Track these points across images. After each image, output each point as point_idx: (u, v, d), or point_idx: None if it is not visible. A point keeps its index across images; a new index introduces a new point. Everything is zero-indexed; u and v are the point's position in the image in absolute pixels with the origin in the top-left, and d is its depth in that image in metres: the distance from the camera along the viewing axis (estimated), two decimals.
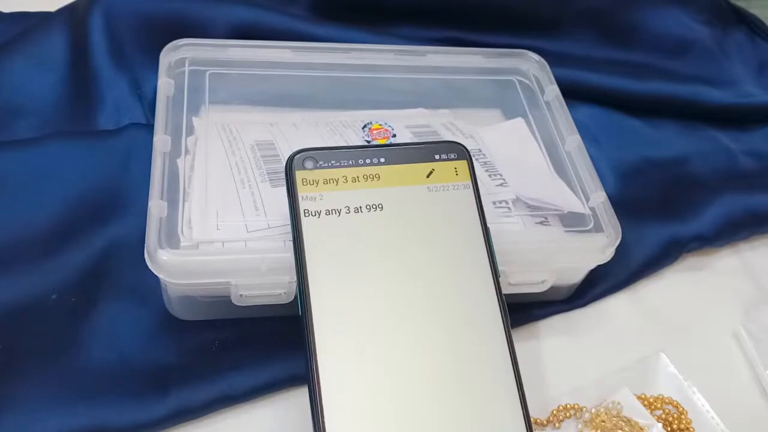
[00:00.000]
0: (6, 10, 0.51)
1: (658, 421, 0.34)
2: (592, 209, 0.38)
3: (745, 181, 0.49)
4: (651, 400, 0.36)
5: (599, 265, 0.37)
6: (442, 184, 0.31)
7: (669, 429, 0.35)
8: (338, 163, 0.30)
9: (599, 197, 0.38)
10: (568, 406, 0.35)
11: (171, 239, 0.32)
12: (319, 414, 0.25)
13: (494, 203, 0.37)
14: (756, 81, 0.57)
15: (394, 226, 0.29)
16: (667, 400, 0.36)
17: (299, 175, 0.29)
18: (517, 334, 0.37)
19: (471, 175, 0.31)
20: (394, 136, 0.41)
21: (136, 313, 0.35)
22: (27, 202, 0.38)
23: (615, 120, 0.52)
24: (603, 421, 0.33)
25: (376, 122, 0.41)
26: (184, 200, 0.34)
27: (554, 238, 0.37)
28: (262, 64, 0.42)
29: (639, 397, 0.35)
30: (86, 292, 0.35)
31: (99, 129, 0.44)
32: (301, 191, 0.29)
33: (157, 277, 0.31)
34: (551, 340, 0.39)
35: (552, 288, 0.37)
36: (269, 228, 0.34)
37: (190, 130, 0.38)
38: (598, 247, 0.36)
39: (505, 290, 0.31)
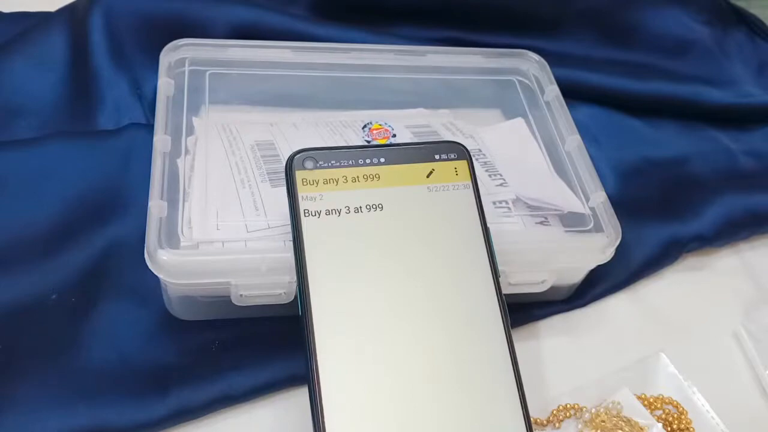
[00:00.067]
0: (6, 10, 0.51)
1: (658, 421, 0.34)
2: (592, 209, 0.38)
3: (745, 181, 0.49)
4: (651, 400, 0.36)
5: (599, 265, 0.37)
6: (442, 184, 0.31)
7: (669, 429, 0.35)
8: (338, 163, 0.30)
9: (599, 197, 0.38)
10: (568, 406, 0.35)
11: (171, 239, 0.32)
12: (319, 414, 0.25)
13: (494, 203, 0.37)
14: (756, 81, 0.57)
15: (394, 226, 0.29)
16: (667, 400, 0.36)
17: (299, 175, 0.29)
18: (517, 334, 0.37)
19: (471, 175, 0.31)
20: (394, 136, 0.41)
21: (136, 313, 0.35)
22: (27, 202, 0.38)
23: (615, 120, 0.52)
24: (603, 421, 0.33)
25: (376, 122, 0.41)
26: (184, 200, 0.34)
27: (554, 238, 0.37)
28: (262, 64, 0.42)
29: (639, 397, 0.35)
30: (86, 292, 0.35)
31: (99, 129, 0.44)
32: (301, 191, 0.29)
33: (157, 277, 0.31)
34: (551, 340, 0.39)
35: (552, 288, 0.37)
36: (269, 228, 0.34)
37: (190, 130, 0.38)
38: (598, 247, 0.36)
39: (505, 290, 0.31)
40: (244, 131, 0.39)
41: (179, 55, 0.41)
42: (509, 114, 0.45)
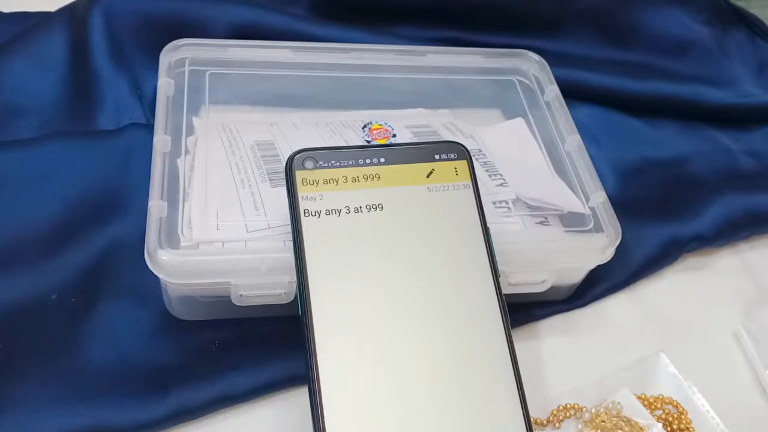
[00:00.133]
0: (6, 10, 0.51)
1: (658, 421, 0.34)
2: (592, 209, 0.38)
3: (745, 181, 0.49)
4: (651, 400, 0.36)
5: (599, 265, 0.37)
6: (442, 184, 0.31)
7: (669, 429, 0.35)
8: (338, 163, 0.30)
9: (599, 197, 0.38)
10: (568, 406, 0.35)
11: (171, 239, 0.32)
12: (319, 414, 0.25)
13: (494, 203, 0.37)
14: (756, 81, 0.57)
15: (394, 226, 0.29)
16: (667, 400, 0.36)
17: (299, 175, 0.29)
18: (517, 334, 0.37)
19: (471, 175, 0.31)
20: (394, 136, 0.41)
21: (136, 313, 0.35)
22: (27, 202, 0.38)
23: (615, 120, 0.52)
24: (603, 421, 0.33)
25: (376, 122, 0.41)
26: (184, 200, 0.34)
27: (554, 238, 0.37)
28: (262, 64, 0.42)
29: (639, 397, 0.35)
30: (86, 292, 0.35)
31: (99, 129, 0.44)
32: (301, 191, 0.29)
33: (157, 277, 0.31)
34: (551, 340, 0.39)
35: (552, 288, 0.37)
36: (269, 228, 0.34)
37: (190, 130, 0.38)
38: (598, 247, 0.36)
39: (505, 290, 0.31)
40: (244, 131, 0.39)
41: (179, 55, 0.41)
42: (509, 114, 0.45)
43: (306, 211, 0.29)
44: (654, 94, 0.52)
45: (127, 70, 0.46)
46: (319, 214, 0.29)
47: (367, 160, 0.30)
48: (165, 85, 0.38)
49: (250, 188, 0.35)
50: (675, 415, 0.35)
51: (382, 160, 0.30)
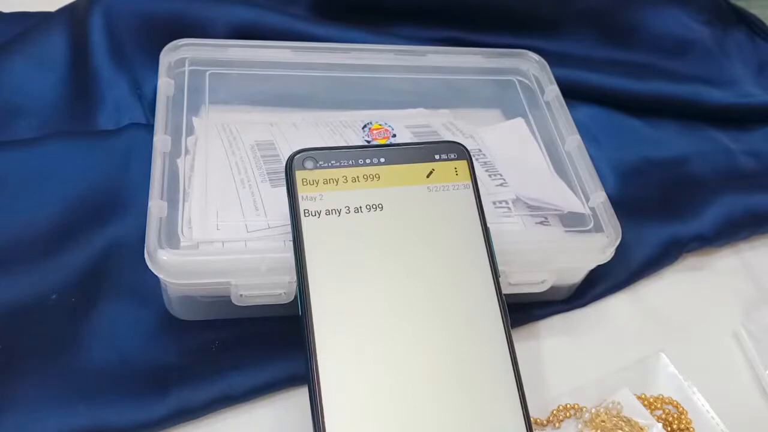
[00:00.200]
0: (6, 10, 0.51)
1: (658, 421, 0.34)
2: (592, 209, 0.38)
3: (745, 181, 0.49)
4: (651, 400, 0.36)
5: (599, 265, 0.37)
6: (442, 184, 0.31)
7: (669, 429, 0.35)
8: (338, 163, 0.30)
9: (599, 197, 0.38)
10: (568, 406, 0.35)
11: (171, 239, 0.32)
12: (319, 414, 0.25)
13: (494, 203, 0.37)
14: (756, 81, 0.57)
15: (394, 226, 0.29)
16: (667, 400, 0.36)
17: (299, 175, 0.29)
18: (517, 334, 0.37)
19: (471, 175, 0.31)
20: (394, 136, 0.41)
21: (136, 313, 0.35)
22: (27, 202, 0.38)
23: (615, 120, 0.52)
24: (603, 421, 0.33)
25: (376, 122, 0.41)
26: (184, 200, 0.34)
27: (554, 238, 0.37)
28: (262, 64, 0.42)
29: (639, 397, 0.35)
30: (86, 292, 0.35)
31: (99, 129, 0.44)
32: (301, 191, 0.29)
33: (157, 277, 0.31)
34: (551, 340, 0.39)
35: (552, 288, 0.37)
36: (269, 228, 0.34)
37: (190, 130, 0.38)
38: (598, 247, 0.36)
39: (505, 290, 0.31)
40: (244, 131, 0.39)
41: (179, 55, 0.41)
42: (509, 114, 0.45)
43: (306, 211, 0.29)
44: (654, 94, 0.52)
45: (127, 70, 0.46)
46: (319, 214, 0.29)
47: (367, 160, 0.30)
48: (165, 85, 0.38)
49: (250, 188, 0.35)
50: (675, 415, 0.35)
51: (382, 160, 0.30)
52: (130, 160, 0.41)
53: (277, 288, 0.32)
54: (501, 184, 0.38)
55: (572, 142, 0.41)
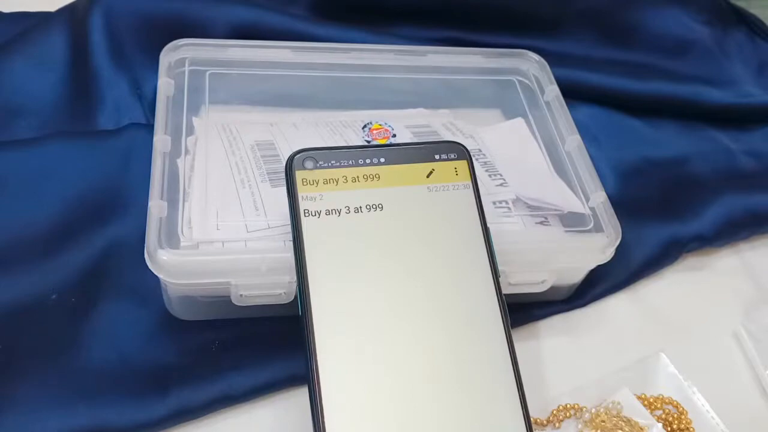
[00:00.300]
0: (6, 10, 0.51)
1: (658, 421, 0.34)
2: (592, 209, 0.38)
3: (745, 181, 0.49)
4: (651, 400, 0.36)
5: (599, 265, 0.37)
6: (442, 184, 0.31)
7: (669, 429, 0.35)
8: (338, 163, 0.30)
9: (599, 197, 0.38)
10: (568, 406, 0.35)
11: (171, 239, 0.32)
12: (319, 414, 0.25)
13: (494, 203, 0.37)
14: (756, 81, 0.57)
15: (394, 226, 0.29)
16: (667, 400, 0.36)
17: (299, 175, 0.29)
18: (517, 334, 0.37)
19: (471, 175, 0.31)
20: (394, 136, 0.41)
21: (136, 313, 0.35)
22: (27, 202, 0.38)
23: (615, 120, 0.52)
24: (603, 421, 0.33)
25: (376, 122, 0.41)
26: (184, 200, 0.34)
27: (554, 238, 0.37)
28: (262, 64, 0.42)
29: (639, 397, 0.35)
30: (86, 292, 0.35)
31: (99, 129, 0.44)
32: (301, 191, 0.29)
33: (157, 277, 0.31)
34: (551, 340, 0.39)
35: (552, 288, 0.37)
36: (269, 228, 0.34)
37: (190, 130, 0.38)
38: (598, 247, 0.36)
39: (505, 290, 0.31)
40: (244, 131, 0.39)
41: (179, 55, 0.41)
42: (509, 114, 0.45)
43: (306, 211, 0.29)
44: (654, 94, 0.52)
45: (127, 70, 0.46)
46: (319, 214, 0.29)
47: (367, 160, 0.30)
48: (165, 85, 0.38)
49: (250, 188, 0.35)
50: (675, 415, 0.35)
51: (382, 160, 0.30)
52: (130, 160, 0.41)
53: (277, 288, 0.32)
54: (501, 184, 0.38)
55: (572, 142, 0.41)
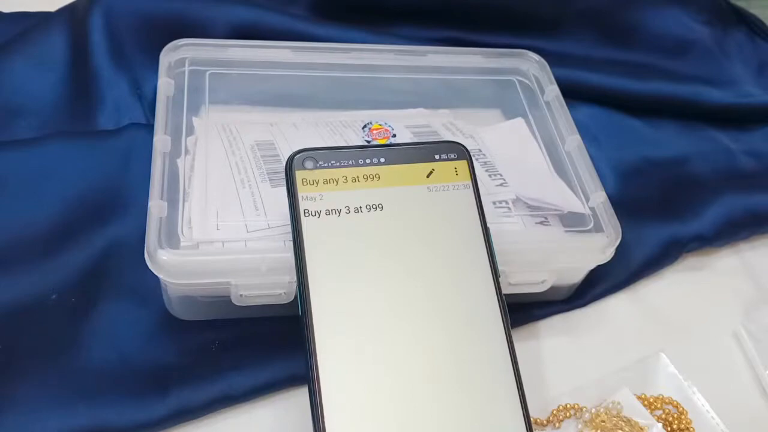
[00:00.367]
0: (6, 10, 0.51)
1: (658, 421, 0.34)
2: (592, 209, 0.38)
3: (745, 181, 0.49)
4: (651, 400, 0.36)
5: (599, 265, 0.37)
6: (442, 184, 0.31)
7: (669, 429, 0.35)
8: (338, 163, 0.30)
9: (599, 197, 0.38)
10: (568, 406, 0.35)
11: (171, 239, 0.32)
12: (319, 414, 0.25)
13: (494, 203, 0.37)
14: (756, 81, 0.57)
15: (394, 226, 0.29)
16: (667, 400, 0.36)
17: (299, 175, 0.29)
18: (517, 334, 0.37)
19: (471, 175, 0.31)
20: (394, 136, 0.41)
21: (136, 313, 0.35)
22: (27, 202, 0.38)
23: (615, 120, 0.52)
24: (603, 421, 0.33)
25: (376, 122, 0.41)
26: (184, 200, 0.34)
27: (554, 238, 0.37)
28: (262, 64, 0.42)
29: (639, 397, 0.35)
30: (86, 292, 0.35)
31: (99, 129, 0.44)
32: (301, 191, 0.29)
33: (157, 277, 0.31)
34: (551, 340, 0.39)
35: (552, 288, 0.37)
36: (269, 228, 0.34)
37: (190, 130, 0.38)
38: (598, 247, 0.36)
39: (505, 290, 0.31)
40: (244, 131, 0.39)
41: (179, 55, 0.41)
42: (509, 114, 0.45)
43: (306, 211, 0.29)
44: (654, 94, 0.52)
45: (127, 70, 0.46)
46: (319, 214, 0.29)
47: (367, 160, 0.30)
48: (165, 85, 0.38)
49: (250, 188, 0.35)
50: (675, 415, 0.35)
51: (382, 160, 0.30)
52: (130, 160, 0.41)
53: (277, 288, 0.32)
54: (501, 184, 0.38)
55: (572, 142, 0.41)
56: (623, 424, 0.33)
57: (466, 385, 0.27)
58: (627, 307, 0.41)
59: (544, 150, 0.42)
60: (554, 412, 0.35)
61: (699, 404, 0.36)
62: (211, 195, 0.34)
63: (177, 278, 0.31)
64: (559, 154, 0.41)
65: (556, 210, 0.38)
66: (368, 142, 0.40)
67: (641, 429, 0.33)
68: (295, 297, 0.29)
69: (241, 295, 0.32)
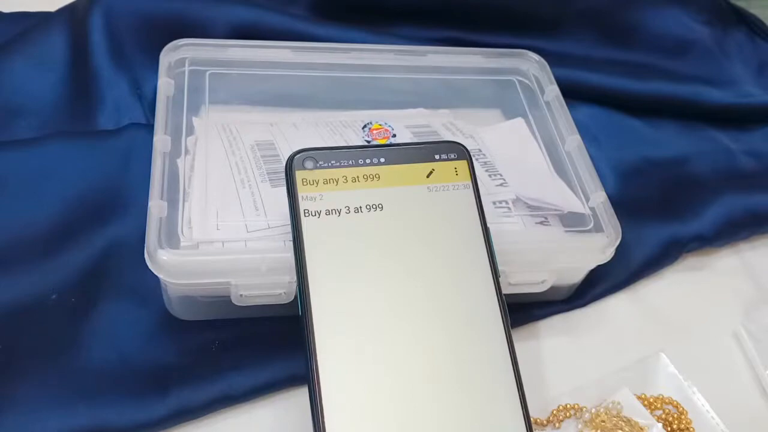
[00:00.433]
0: (6, 10, 0.51)
1: (658, 421, 0.34)
2: (592, 209, 0.38)
3: (745, 181, 0.49)
4: (651, 400, 0.36)
5: (599, 265, 0.37)
6: (442, 184, 0.31)
7: (669, 429, 0.35)
8: (338, 163, 0.30)
9: (599, 197, 0.38)
10: (568, 406, 0.35)
11: (171, 239, 0.32)
12: (319, 414, 0.25)
13: (494, 203, 0.37)
14: (756, 81, 0.57)
15: (394, 226, 0.29)
16: (667, 400, 0.36)
17: (299, 175, 0.29)
18: (517, 334, 0.37)
19: (471, 175, 0.31)
20: (394, 136, 0.41)
21: (136, 313, 0.35)
22: (27, 202, 0.38)
23: (615, 120, 0.52)
24: (603, 421, 0.33)
25: (376, 122, 0.41)
26: (184, 200, 0.34)
27: (554, 238, 0.37)
28: (262, 64, 0.42)
29: (639, 397, 0.35)
30: (86, 292, 0.35)
31: (99, 129, 0.44)
32: (301, 191, 0.29)
33: (157, 277, 0.31)
34: (551, 340, 0.39)
35: (552, 288, 0.37)
36: (269, 228, 0.34)
37: (190, 130, 0.38)
38: (598, 247, 0.36)
39: (505, 290, 0.31)
40: (244, 131, 0.39)
41: (179, 55, 0.41)
42: (509, 114, 0.45)
43: (306, 211, 0.29)
44: (654, 94, 0.52)
45: (127, 70, 0.46)
46: (319, 214, 0.29)
47: (367, 160, 0.30)
48: (165, 85, 0.38)
49: (250, 188, 0.35)
50: (675, 415, 0.35)
51: (382, 160, 0.30)
52: (130, 160, 0.41)
53: (277, 288, 0.32)
54: (501, 184, 0.38)
55: (572, 142, 0.41)
56: (623, 424, 0.33)
57: (466, 385, 0.27)
58: (627, 307, 0.41)
59: (544, 150, 0.42)
60: (554, 412, 0.35)
61: (699, 404, 0.36)
62: (211, 195, 0.34)
63: (177, 278, 0.31)
64: (559, 154, 0.41)
65: (556, 210, 0.38)
66: (368, 142, 0.40)
67: (641, 429, 0.33)
68: (295, 297, 0.29)
69: (241, 295, 0.32)
